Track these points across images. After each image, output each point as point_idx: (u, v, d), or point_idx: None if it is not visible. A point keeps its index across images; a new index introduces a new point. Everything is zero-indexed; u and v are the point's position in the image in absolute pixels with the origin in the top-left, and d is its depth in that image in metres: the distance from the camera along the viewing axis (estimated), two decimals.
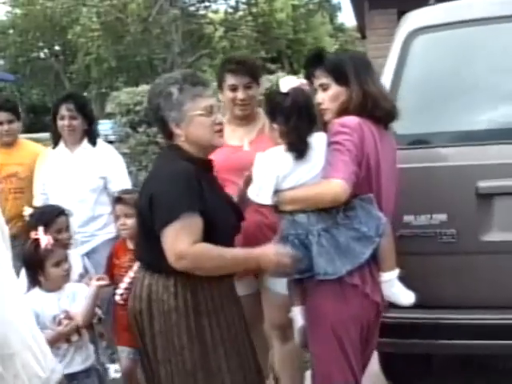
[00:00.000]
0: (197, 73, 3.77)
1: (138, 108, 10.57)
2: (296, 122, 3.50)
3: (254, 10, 29.04)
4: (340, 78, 3.63)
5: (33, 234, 4.18)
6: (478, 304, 4.03)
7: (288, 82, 3.60)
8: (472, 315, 4.02)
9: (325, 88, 3.66)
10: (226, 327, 3.49)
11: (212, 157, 3.72)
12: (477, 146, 4.07)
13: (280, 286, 4.02)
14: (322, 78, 3.68)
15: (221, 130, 3.57)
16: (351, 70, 3.63)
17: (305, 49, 34.55)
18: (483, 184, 3.98)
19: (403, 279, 3.66)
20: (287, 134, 3.52)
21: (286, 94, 3.55)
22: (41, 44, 37.64)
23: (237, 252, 3.54)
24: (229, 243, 3.50)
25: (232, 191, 3.84)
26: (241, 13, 29.19)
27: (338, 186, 3.39)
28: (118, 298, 4.56)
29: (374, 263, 3.56)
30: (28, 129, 46.60)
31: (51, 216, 4.58)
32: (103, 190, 5.39)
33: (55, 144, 5.51)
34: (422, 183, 4.08)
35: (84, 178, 5.35)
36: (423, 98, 4.26)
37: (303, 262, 3.50)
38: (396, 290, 3.63)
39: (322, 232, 3.49)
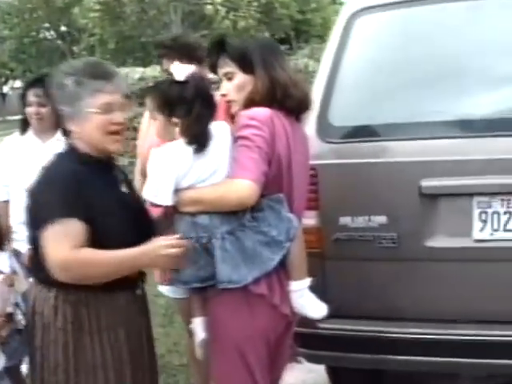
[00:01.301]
0: (103, 64, 3.33)
1: None
2: (199, 112, 3.15)
3: None
4: (245, 65, 3.29)
5: None
6: (419, 316, 3.68)
7: (183, 70, 3.25)
8: (412, 328, 3.66)
9: (229, 77, 3.32)
10: (110, 348, 3.14)
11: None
12: (421, 140, 3.69)
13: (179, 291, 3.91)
14: (225, 67, 3.33)
15: (117, 132, 3.15)
16: (257, 56, 3.30)
17: (313, 29, 34.22)
18: (427, 183, 3.60)
19: (340, 286, 3.44)
20: (188, 126, 3.15)
21: (184, 83, 3.19)
22: (46, 25, 37.47)
23: (125, 251, 3.09)
24: None
25: None
26: None
27: (246, 188, 3.06)
28: None
29: (283, 271, 3.22)
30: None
31: None
32: None
33: (23, 130, 4.99)
34: (359, 181, 3.73)
35: None
36: (363, 86, 3.90)
37: (205, 268, 3.16)
38: (306, 302, 3.31)
39: (227, 235, 3.15)
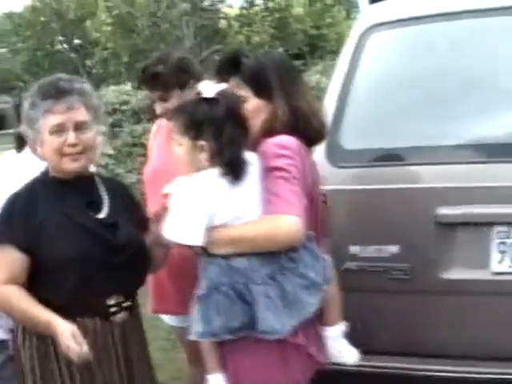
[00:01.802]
0: (61, 80, 3.06)
1: (124, 107, 10.09)
2: (231, 134, 2.80)
3: (271, 4, 28.53)
4: (261, 90, 2.98)
5: None
6: (433, 352, 3.44)
7: (211, 87, 2.90)
8: (425, 365, 3.43)
9: (242, 101, 2.98)
10: (80, 377, 2.98)
11: (154, 160, 3.71)
12: (438, 165, 3.46)
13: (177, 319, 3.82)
14: (237, 89, 3.00)
15: (73, 153, 2.99)
16: (275, 79, 2.99)
17: (328, 44, 34.03)
18: (443, 211, 3.37)
19: (348, 319, 3.09)
20: (219, 150, 2.80)
21: (213, 100, 2.84)
22: (60, 38, 37.49)
23: (36, 311, 2.93)
24: (89, 281, 2.98)
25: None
26: (256, 8, 28.76)
27: (293, 225, 2.74)
28: None
29: (315, 315, 2.92)
30: None
31: None
32: None
33: (19, 147, 4.76)
34: (370, 208, 3.51)
35: None
36: (376, 106, 3.70)
37: (237, 318, 2.81)
38: (341, 347, 3.04)
39: (269, 280, 2.81)
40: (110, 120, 10.43)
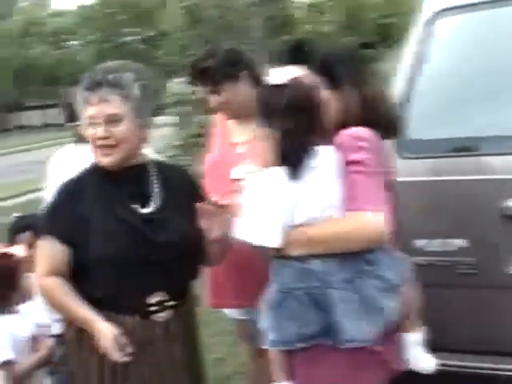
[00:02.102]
0: (104, 70, 3.03)
1: (191, 98, 10.07)
2: (292, 126, 2.65)
3: None
4: (331, 80, 2.81)
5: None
6: (501, 349, 3.31)
7: (285, 72, 2.75)
8: (493, 364, 3.30)
9: (314, 90, 2.78)
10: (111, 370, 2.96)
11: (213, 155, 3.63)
12: (507, 155, 3.31)
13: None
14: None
15: (103, 146, 2.96)
16: (345, 69, 2.85)
17: (399, 33, 33.61)
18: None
19: None
20: (281, 142, 2.67)
21: (280, 87, 2.70)
22: (129, 29, 37.78)
23: (79, 308, 2.94)
24: (127, 279, 2.95)
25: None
26: None
27: (378, 223, 2.59)
28: None
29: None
30: None
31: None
32: None
33: (80, 140, 4.71)
34: (437, 201, 3.39)
35: None
36: (444, 95, 3.55)
37: (310, 324, 2.66)
38: (419, 354, 2.88)
39: (346, 284, 2.64)
40: (177, 111, 10.46)
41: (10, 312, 3.73)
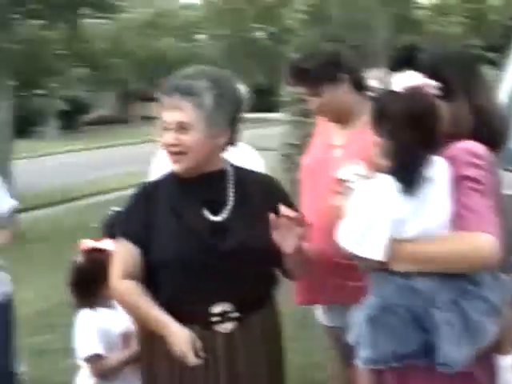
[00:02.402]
0: (175, 76, 3.05)
1: None
2: (409, 137, 2.55)
3: None
4: (442, 85, 2.66)
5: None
6: None
7: (405, 79, 2.63)
8: None
9: (433, 101, 2.66)
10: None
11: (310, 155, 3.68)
12: None
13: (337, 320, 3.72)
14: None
15: (173, 153, 2.96)
16: (455, 76, 2.72)
17: None
18: None
19: None
20: (389, 153, 2.59)
21: (397, 95, 2.62)
22: (257, 25, 37.80)
23: (153, 312, 2.96)
24: (189, 286, 2.96)
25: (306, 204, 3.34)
26: None
27: (489, 245, 2.49)
28: None
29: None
30: (253, 109, 48.14)
31: None
32: None
33: None
34: None
35: None
36: None
37: (407, 343, 2.59)
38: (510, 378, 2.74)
39: (450, 305, 2.56)
40: (293, 109, 10.45)
41: (104, 306, 3.77)
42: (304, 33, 31.17)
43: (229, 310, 2.97)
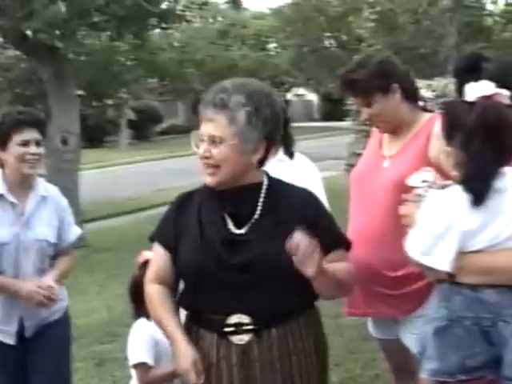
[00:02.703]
0: (212, 89, 3.02)
1: None
2: (479, 148, 2.52)
3: None
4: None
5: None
6: None
7: (478, 89, 2.61)
8: None
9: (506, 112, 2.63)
10: None
11: (360, 164, 3.68)
12: None
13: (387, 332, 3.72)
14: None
15: (205, 165, 2.94)
16: None
17: None
18: None
19: None
20: (462, 163, 2.56)
21: (470, 105, 2.58)
22: (327, 34, 37.80)
23: (170, 328, 3.00)
24: (207, 296, 2.96)
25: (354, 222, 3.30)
26: None
27: None
28: None
29: None
30: (325, 117, 47.69)
31: None
32: None
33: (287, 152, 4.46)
34: None
35: None
36: None
37: (475, 356, 2.56)
38: None
39: None
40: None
41: None
42: (374, 41, 31.21)
43: (245, 321, 2.94)
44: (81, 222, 13.00)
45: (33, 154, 4.03)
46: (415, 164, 3.34)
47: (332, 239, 3.04)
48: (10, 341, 4.08)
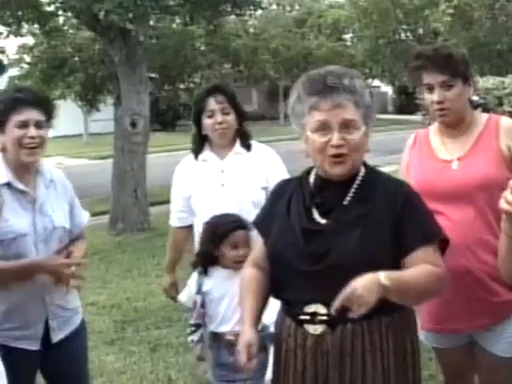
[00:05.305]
0: (327, 75, 2.90)
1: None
2: None
3: None
4: None
5: None
6: None
7: None
8: None
9: None
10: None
11: (420, 172, 3.53)
12: None
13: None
14: None
15: (335, 155, 2.83)
16: None
17: None
18: None
19: None
20: None
21: None
22: (404, 26, 37.39)
23: (245, 307, 3.04)
24: (287, 282, 2.96)
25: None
26: None
27: None
28: None
29: None
30: (399, 110, 47.25)
31: (226, 229, 4.02)
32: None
33: (198, 151, 4.51)
34: None
35: (242, 191, 4.37)
36: None
37: None
38: None
39: None
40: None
41: None
42: (450, 36, 30.73)
43: (321, 312, 2.89)
44: (147, 204, 13.14)
45: (31, 138, 3.61)
46: (494, 162, 3.41)
47: (421, 234, 2.92)
48: (34, 346, 3.74)
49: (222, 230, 3.97)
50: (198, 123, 4.42)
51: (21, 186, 3.69)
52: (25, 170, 3.72)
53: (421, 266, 2.85)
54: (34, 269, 3.60)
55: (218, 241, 3.91)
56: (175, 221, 4.74)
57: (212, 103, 4.33)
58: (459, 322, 3.59)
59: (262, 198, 4.21)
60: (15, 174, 3.69)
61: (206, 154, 4.48)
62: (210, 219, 4.13)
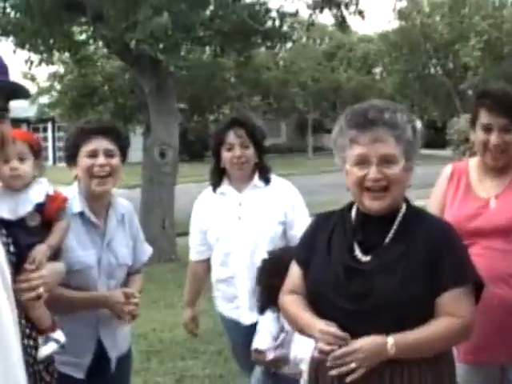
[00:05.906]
0: (369, 109, 2.88)
1: None
2: None
3: None
4: None
5: None
6: None
7: None
8: None
9: None
10: None
11: (457, 209, 3.50)
12: None
13: None
14: None
15: (373, 189, 2.80)
16: None
17: None
18: None
19: None
20: None
21: None
22: (434, 61, 37.38)
23: (304, 316, 2.96)
24: (328, 318, 2.87)
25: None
26: None
27: None
28: None
29: None
30: (427, 144, 47.37)
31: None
32: (282, 238, 4.36)
33: (216, 184, 4.49)
34: None
35: (259, 225, 4.32)
36: None
37: None
38: None
39: None
40: (462, 149, 10.24)
41: None
42: (481, 70, 30.68)
43: None
44: (174, 235, 13.10)
45: (101, 166, 3.62)
46: None
47: (456, 275, 2.86)
48: (79, 375, 3.72)
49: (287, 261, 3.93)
50: (218, 156, 4.39)
51: (92, 218, 3.70)
52: (97, 201, 3.73)
53: (439, 322, 2.81)
54: (102, 303, 3.67)
55: (283, 272, 3.81)
56: (194, 255, 4.70)
57: (231, 137, 4.31)
58: (494, 353, 3.52)
59: (278, 233, 4.25)
60: (88, 205, 3.70)
61: (225, 187, 4.46)
62: (268, 254, 4.04)
